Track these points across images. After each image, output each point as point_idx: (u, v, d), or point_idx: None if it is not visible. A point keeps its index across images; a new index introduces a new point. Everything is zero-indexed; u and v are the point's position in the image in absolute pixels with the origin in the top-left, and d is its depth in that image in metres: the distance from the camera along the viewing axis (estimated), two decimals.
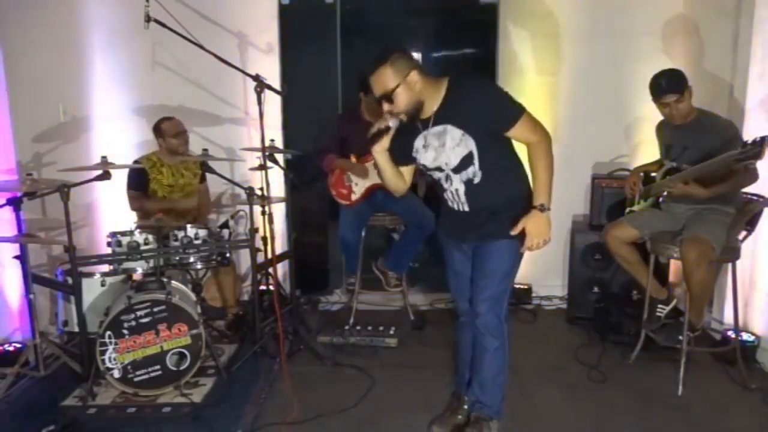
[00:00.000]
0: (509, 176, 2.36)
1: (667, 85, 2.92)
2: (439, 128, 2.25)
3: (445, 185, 2.35)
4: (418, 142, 2.32)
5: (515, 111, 2.21)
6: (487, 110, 2.20)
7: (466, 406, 2.59)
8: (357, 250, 3.73)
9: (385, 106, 2.22)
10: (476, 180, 2.28)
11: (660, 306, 3.21)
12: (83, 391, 2.86)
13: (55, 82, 3.67)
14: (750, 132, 2.97)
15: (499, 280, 2.35)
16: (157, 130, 3.67)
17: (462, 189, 2.31)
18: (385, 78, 2.17)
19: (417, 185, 3.93)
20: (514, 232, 2.23)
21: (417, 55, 4.19)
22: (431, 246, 3.61)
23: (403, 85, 2.17)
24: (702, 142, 2.91)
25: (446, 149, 2.25)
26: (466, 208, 2.35)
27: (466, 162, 2.25)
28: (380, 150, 2.26)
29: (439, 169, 2.33)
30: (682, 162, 3.01)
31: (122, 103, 4.15)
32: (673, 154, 3.07)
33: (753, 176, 2.83)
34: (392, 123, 2.21)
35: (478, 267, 2.39)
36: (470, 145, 2.23)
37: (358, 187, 3.67)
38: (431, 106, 2.24)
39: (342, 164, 3.67)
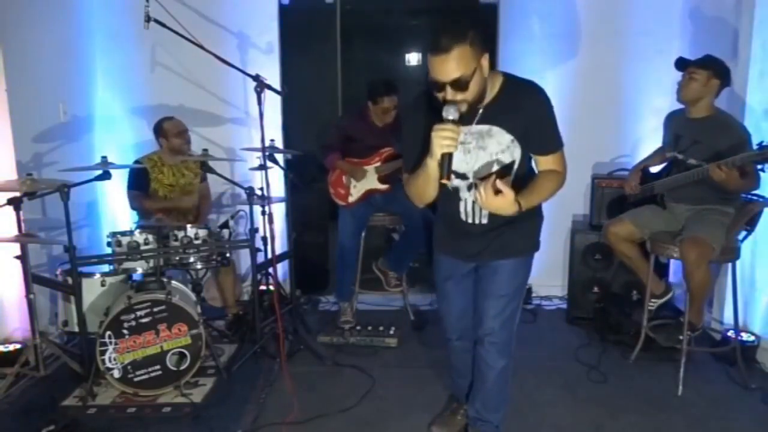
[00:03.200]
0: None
1: (697, 58, 2.97)
2: (483, 127, 1.97)
3: (464, 194, 2.09)
4: None
5: (559, 141, 2.04)
6: (539, 124, 1.98)
7: (464, 408, 2.58)
8: (353, 261, 3.73)
9: (448, 95, 1.82)
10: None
11: (652, 300, 3.20)
12: (83, 391, 2.85)
13: (55, 82, 3.67)
14: (750, 132, 2.97)
15: (512, 296, 2.20)
16: (159, 130, 3.68)
17: None
18: (465, 60, 1.77)
19: None
20: (484, 191, 1.88)
21: (417, 56, 4.22)
22: (431, 246, 3.61)
23: (478, 69, 1.82)
24: (714, 139, 2.89)
25: (487, 153, 1.99)
26: (485, 221, 2.10)
27: (502, 173, 2.00)
28: (447, 148, 1.82)
29: (463, 176, 2.06)
30: (690, 156, 3.00)
31: (122, 103, 4.16)
32: (682, 145, 3.05)
33: (755, 182, 2.84)
34: (452, 115, 1.81)
35: (489, 285, 2.19)
36: (516, 154, 1.99)
37: (356, 189, 3.69)
38: (484, 99, 1.94)
39: (341, 166, 3.68)
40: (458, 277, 2.29)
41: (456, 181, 2.07)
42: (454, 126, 1.80)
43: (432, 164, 1.87)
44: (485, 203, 1.89)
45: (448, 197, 2.12)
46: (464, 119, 1.90)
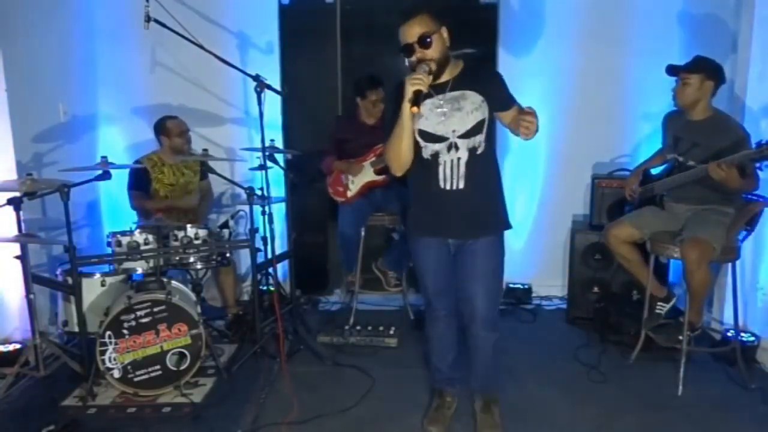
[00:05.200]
0: (496, 168, 2.46)
1: (686, 63, 2.98)
2: (456, 93, 2.31)
3: (443, 157, 2.32)
4: (425, 107, 2.30)
5: (515, 98, 2.37)
6: (499, 86, 2.34)
7: (449, 399, 2.69)
8: (356, 247, 3.74)
9: (417, 53, 2.23)
10: (479, 150, 2.32)
11: (659, 304, 3.21)
12: (83, 391, 2.85)
13: (55, 82, 3.67)
14: (750, 131, 2.97)
15: (495, 275, 2.46)
16: (162, 128, 3.68)
17: (465, 158, 2.31)
18: (425, 22, 2.22)
19: None
20: (529, 115, 2.17)
21: None
22: None
23: (438, 34, 2.25)
24: (713, 141, 2.90)
25: (463, 113, 2.29)
26: (461, 185, 2.32)
27: (477, 129, 2.30)
28: (415, 110, 2.17)
29: (441, 138, 2.31)
30: (690, 158, 3.00)
31: (122, 103, 4.16)
32: (681, 147, 3.05)
33: (755, 182, 2.85)
34: (423, 70, 2.18)
35: (471, 265, 2.41)
36: (485, 113, 2.31)
37: (354, 184, 3.73)
38: (449, 73, 2.32)
39: (339, 166, 3.74)
40: (437, 250, 2.45)
41: (436, 146, 2.32)
42: (424, 74, 2.17)
43: (406, 111, 2.19)
44: (532, 126, 2.15)
45: (426, 168, 2.35)
46: (438, 89, 2.30)
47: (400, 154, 2.31)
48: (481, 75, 2.37)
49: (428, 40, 2.21)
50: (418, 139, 2.33)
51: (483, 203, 2.40)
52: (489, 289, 2.44)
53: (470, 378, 2.66)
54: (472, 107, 2.30)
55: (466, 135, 2.30)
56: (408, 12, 2.24)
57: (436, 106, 2.31)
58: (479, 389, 2.67)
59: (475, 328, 2.47)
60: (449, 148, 2.32)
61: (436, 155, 2.33)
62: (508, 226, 2.49)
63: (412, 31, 2.22)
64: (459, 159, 2.32)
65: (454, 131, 2.31)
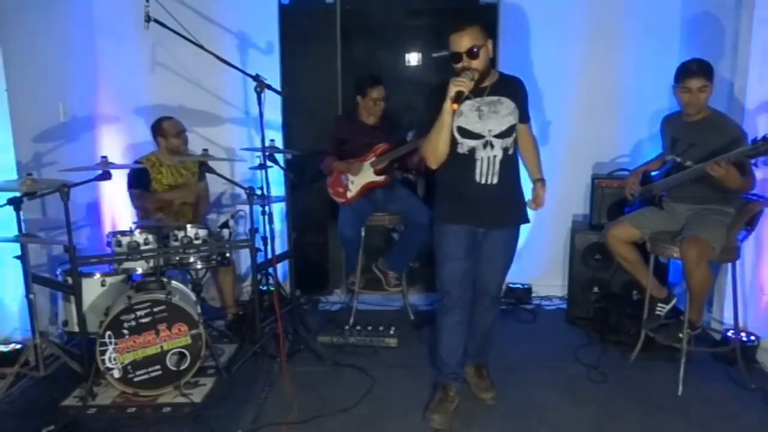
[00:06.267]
0: (519, 168, 2.71)
1: (698, 69, 2.92)
2: (494, 98, 2.56)
3: (480, 154, 2.55)
4: (465, 107, 2.51)
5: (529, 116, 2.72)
6: (524, 100, 2.64)
7: (452, 393, 2.70)
8: (356, 248, 3.74)
9: (464, 62, 2.43)
10: (510, 151, 2.59)
11: (659, 305, 3.21)
12: (83, 391, 2.85)
13: (55, 82, 3.67)
14: (749, 132, 2.97)
15: (510, 263, 2.77)
16: (158, 128, 3.68)
17: (500, 156, 2.55)
18: (476, 35, 2.43)
19: (416, 184, 3.94)
20: (538, 203, 2.68)
21: (417, 56, 4.21)
22: (431, 245, 3.61)
23: (485, 47, 2.47)
24: (709, 140, 2.90)
25: (499, 116, 2.54)
26: (495, 181, 2.56)
27: (509, 131, 2.56)
28: (456, 107, 2.40)
29: (479, 135, 2.54)
30: (687, 158, 3.00)
31: (122, 103, 4.16)
32: (679, 148, 3.05)
33: (752, 181, 2.84)
34: (467, 77, 2.38)
35: (495, 253, 2.69)
36: (516, 118, 2.58)
37: (354, 185, 3.72)
38: (488, 80, 2.56)
39: (338, 166, 3.74)
40: (466, 239, 2.63)
41: (472, 143, 2.55)
42: (467, 79, 2.37)
43: (447, 110, 2.40)
44: (541, 202, 2.69)
45: (463, 163, 2.57)
46: (477, 93, 2.52)
47: (437, 147, 2.51)
48: (513, 85, 2.63)
49: (476, 51, 2.41)
50: (456, 135, 2.54)
51: (511, 198, 2.67)
52: (503, 275, 2.78)
53: (469, 347, 2.81)
54: (506, 112, 2.55)
55: (501, 135, 2.54)
56: (461, 24, 2.44)
57: (475, 108, 2.54)
58: (476, 357, 2.92)
59: (486, 301, 2.77)
60: (485, 146, 2.55)
61: (472, 151, 2.56)
62: (527, 220, 2.74)
63: (462, 42, 2.42)
64: (495, 157, 2.56)
65: (490, 130, 2.54)
